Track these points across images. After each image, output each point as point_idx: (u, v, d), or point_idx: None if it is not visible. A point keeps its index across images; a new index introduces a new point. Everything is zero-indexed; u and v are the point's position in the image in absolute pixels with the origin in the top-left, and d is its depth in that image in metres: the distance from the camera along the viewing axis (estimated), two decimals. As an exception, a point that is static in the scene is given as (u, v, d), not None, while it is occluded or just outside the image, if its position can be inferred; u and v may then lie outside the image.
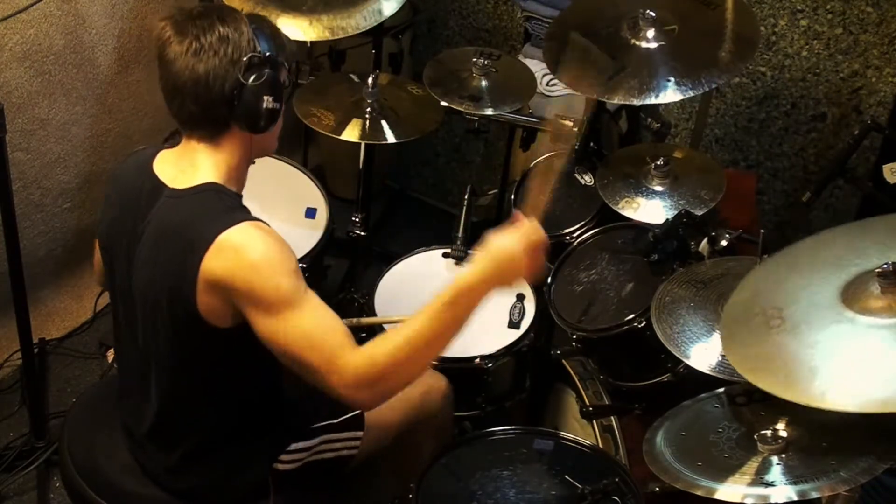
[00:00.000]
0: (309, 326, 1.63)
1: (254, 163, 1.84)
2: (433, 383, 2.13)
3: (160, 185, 1.76)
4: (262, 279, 1.62)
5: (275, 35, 1.77)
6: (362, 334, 2.37)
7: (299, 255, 2.48)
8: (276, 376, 1.92)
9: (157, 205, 1.75)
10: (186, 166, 1.76)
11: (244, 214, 1.71)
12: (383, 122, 2.58)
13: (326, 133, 2.55)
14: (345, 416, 1.99)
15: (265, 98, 1.70)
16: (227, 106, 1.70)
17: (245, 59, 1.68)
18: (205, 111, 1.72)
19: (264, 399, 1.91)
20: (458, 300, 1.66)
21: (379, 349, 1.63)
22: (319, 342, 1.63)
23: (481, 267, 1.67)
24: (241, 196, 1.81)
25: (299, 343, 1.63)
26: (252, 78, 1.69)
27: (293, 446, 1.93)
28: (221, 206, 1.71)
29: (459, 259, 2.54)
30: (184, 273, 1.66)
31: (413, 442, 2.11)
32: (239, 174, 1.80)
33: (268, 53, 1.71)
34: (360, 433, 2.00)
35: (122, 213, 1.81)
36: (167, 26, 1.71)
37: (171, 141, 1.84)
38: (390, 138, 2.56)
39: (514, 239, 1.69)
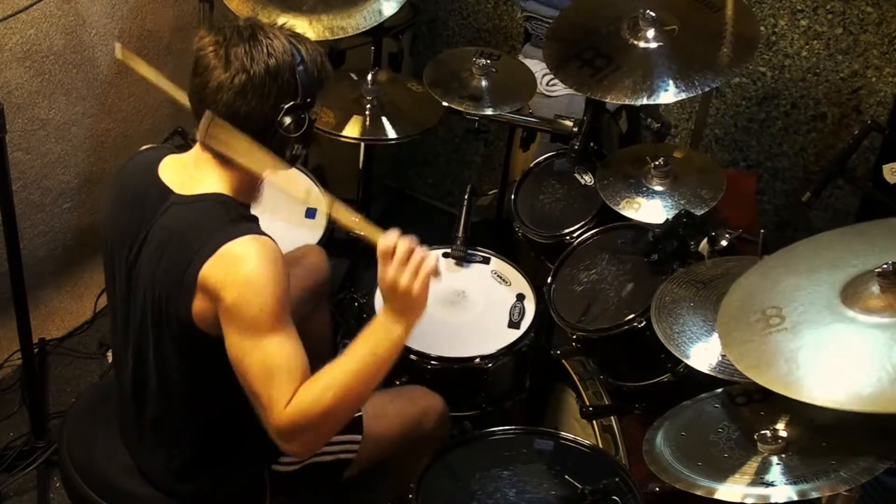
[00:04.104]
0: (272, 360, 1.62)
1: None
2: (431, 403, 2.12)
3: (167, 191, 1.75)
4: (248, 296, 1.61)
5: (317, 64, 1.72)
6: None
7: (299, 255, 2.49)
8: None
9: (162, 209, 1.74)
10: (194, 173, 1.75)
11: (249, 226, 1.69)
12: (384, 119, 2.58)
13: (327, 130, 2.55)
14: None
15: (294, 146, 1.71)
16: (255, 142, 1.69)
17: (285, 105, 1.66)
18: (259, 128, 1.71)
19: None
20: (375, 344, 1.67)
21: (304, 397, 1.62)
22: (274, 379, 1.61)
23: (385, 309, 1.69)
24: (249, 206, 1.80)
25: (256, 372, 1.62)
26: (286, 126, 1.68)
27: None
28: (227, 216, 1.70)
29: (459, 259, 2.54)
30: (183, 279, 1.66)
31: (406, 460, 2.10)
32: (251, 186, 1.79)
33: (308, 99, 1.68)
34: (358, 437, 2.00)
35: (127, 217, 1.81)
36: (210, 44, 1.66)
37: (172, 142, 1.84)
38: (391, 135, 2.56)
39: (389, 272, 1.65)
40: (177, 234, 1.70)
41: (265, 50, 1.65)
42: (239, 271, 1.62)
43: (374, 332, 1.68)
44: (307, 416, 1.61)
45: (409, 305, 1.66)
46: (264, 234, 1.69)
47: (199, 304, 1.66)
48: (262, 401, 1.62)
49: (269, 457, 1.91)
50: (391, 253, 1.64)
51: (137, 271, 1.76)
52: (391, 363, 1.67)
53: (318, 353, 2.31)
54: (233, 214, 1.72)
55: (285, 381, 1.62)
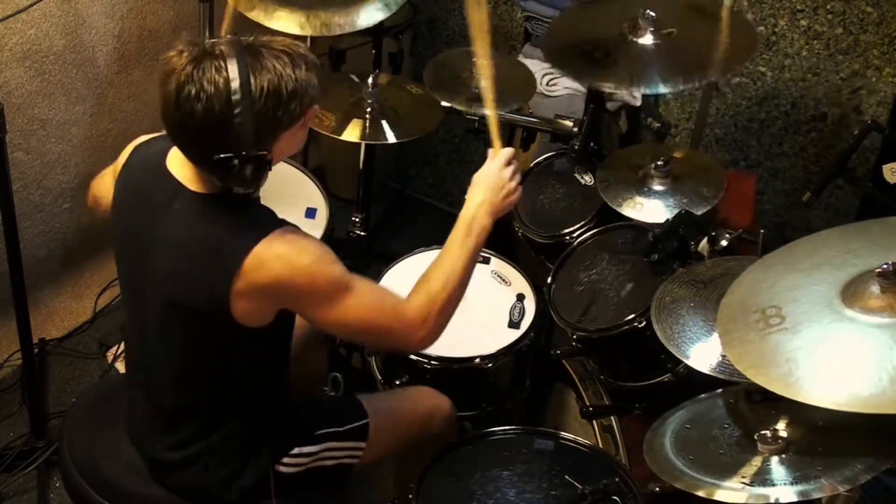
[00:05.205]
0: (370, 299, 1.78)
1: None
2: (438, 405, 2.13)
3: (178, 185, 1.74)
4: (318, 279, 1.71)
5: (269, 104, 1.64)
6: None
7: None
8: (283, 378, 1.92)
9: (177, 204, 1.73)
10: (199, 171, 1.74)
11: (274, 221, 1.73)
12: (383, 122, 2.58)
13: (327, 133, 2.55)
14: (350, 426, 2.00)
15: (243, 190, 1.70)
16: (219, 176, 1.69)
17: (217, 157, 1.63)
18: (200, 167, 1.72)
19: (269, 401, 1.91)
20: (471, 231, 1.88)
21: (431, 287, 1.82)
22: (382, 306, 1.80)
23: (478, 197, 1.90)
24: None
25: (368, 315, 1.77)
26: (236, 180, 1.66)
27: (296, 450, 1.93)
28: (251, 214, 1.73)
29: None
30: (217, 281, 1.67)
31: (411, 461, 2.10)
32: None
33: (245, 151, 1.63)
34: (362, 444, 2.00)
35: (137, 215, 1.79)
36: (171, 81, 1.63)
37: None
38: (390, 138, 2.56)
39: (494, 165, 1.94)
40: (201, 236, 1.70)
41: (202, 87, 1.61)
42: (295, 265, 1.69)
43: (469, 222, 1.88)
44: (439, 301, 1.80)
45: (504, 193, 1.92)
46: (285, 221, 1.74)
47: (243, 304, 1.69)
48: (391, 323, 1.79)
49: (272, 456, 1.91)
50: (511, 159, 1.94)
51: (156, 269, 1.75)
52: (480, 249, 1.91)
53: (308, 390, 2.34)
54: (255, 210, 1.75)
55: (394, 300, 1.81)
